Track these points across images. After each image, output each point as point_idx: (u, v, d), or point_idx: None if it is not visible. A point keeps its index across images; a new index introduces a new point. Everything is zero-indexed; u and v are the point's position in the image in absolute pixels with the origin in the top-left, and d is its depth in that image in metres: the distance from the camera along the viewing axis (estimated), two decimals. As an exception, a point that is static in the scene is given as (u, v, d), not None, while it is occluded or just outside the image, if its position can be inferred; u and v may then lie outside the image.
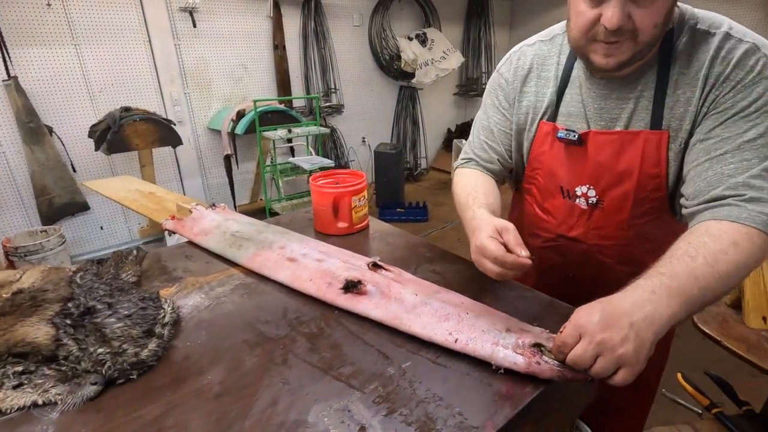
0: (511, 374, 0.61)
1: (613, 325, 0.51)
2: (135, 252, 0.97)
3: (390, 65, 4.63)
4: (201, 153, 3.73)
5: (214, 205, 1.23)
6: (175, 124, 3.02)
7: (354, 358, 0.66)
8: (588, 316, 0.53)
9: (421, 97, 5.08)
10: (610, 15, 0.64)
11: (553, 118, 0.86)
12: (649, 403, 1.10)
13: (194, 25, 3.37)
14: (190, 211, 1.17)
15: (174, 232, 1.17)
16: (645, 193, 0.79)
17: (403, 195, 4.43)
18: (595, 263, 0.90)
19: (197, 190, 3.78)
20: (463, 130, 5.54)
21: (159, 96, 3.37)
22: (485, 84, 5.49)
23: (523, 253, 0.65)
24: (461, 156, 1.00)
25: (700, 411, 1.73)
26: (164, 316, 0.73)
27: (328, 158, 3.80)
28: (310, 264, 0.88)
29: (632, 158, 0.77)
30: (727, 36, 0.69)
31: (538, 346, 0.60)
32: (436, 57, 4.58)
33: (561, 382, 0.58)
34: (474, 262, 0.72)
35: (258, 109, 3.17)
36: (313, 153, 3.77)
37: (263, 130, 3.19)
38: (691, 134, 0.72)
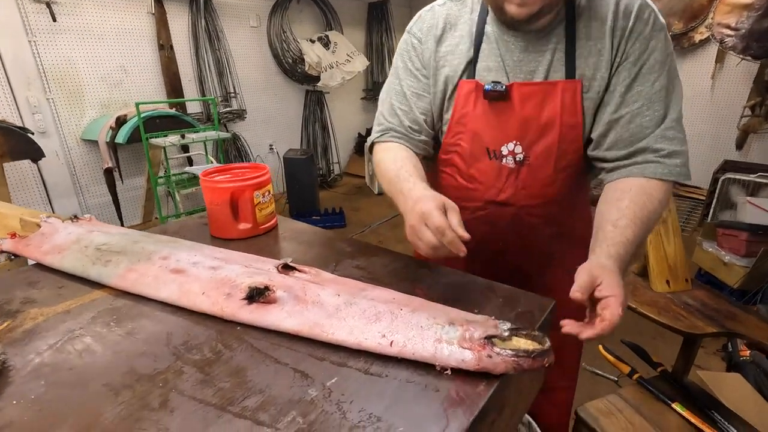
0: (459, 373, 0.51)
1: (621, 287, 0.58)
2: (-57, 284, 0.70)
3: (293, 69, 4.44)
4: (75, 168, 3.19)
5: (76, 217, 0.97)
6: (32, 134, 2.52)
7: (263, 384, 0.50)
8: (616, 288, 0.57)
9: (328, 102, 4.96)
10: None
11: (472, 75, 0.82)
12: (575, 376, 1.11)
13: (54, 19, 2.87)
14: (38, 226, 0.91)
15: (15, 255, 0.89)
16: (565, 145, 0.81)
17: (318, 202, 4.25)
18: (524, 227, 0.89)
19: (73, 212, 3.21)
20: (373, 134, 5.54)
21: (11, 102, 2.80)
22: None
23: (461, 232, 0.61)
24: (375, 129, 0.92)
25: (615, 378, 1.84)
26: (-24, 368, 0.50)
27: (232, 167, 3.49)
28: (203, 274, 0.70)
29: (553, 109, 0.78)
30: None
31: (488, 338, 0.50)
32: (341, 60, 4.50)
33: (517, 373, 0.49)
34: (408, 233, 0.67)
35: (143, 114, 2.78)
36: (215, 162, 3.43)
37: (150, 137, 2.81)
38: (608, 84, 0.77)
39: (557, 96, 0.77)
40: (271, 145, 4.58)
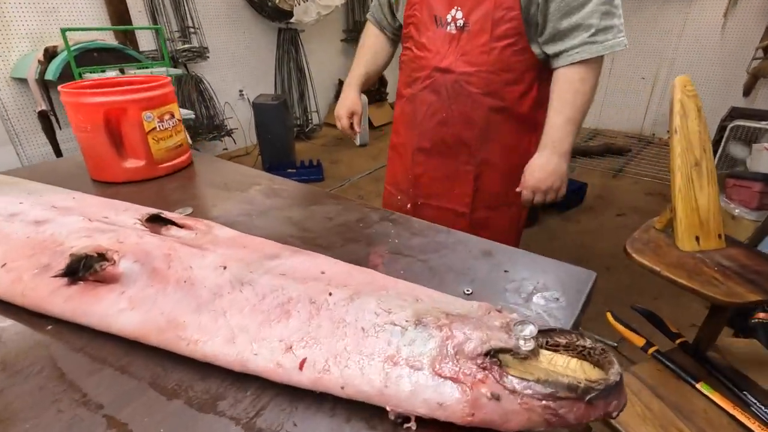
0: (430, 426, 0.25)
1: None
2: None
3: (263, 2, 3.93)
4: (8, 113, 2.77)
5: None
6: (-62, 67, 2.09)
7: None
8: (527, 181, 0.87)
9: (304, 43, 4.47)
10: None
11: None
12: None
13: (-42, -75, 2.35)
14: None
15: None
16: (501, 12, 0.84)
17: (294, 154, 3.90)
18: (463, 96, 0.95)
19: (11, 164, 2.84)
20: (355, 81, 5.10)
21: None
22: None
23: (357, 129, 1.00)
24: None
25: (615, 344, 1.66)
26: None
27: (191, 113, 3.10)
28: (17, 232, 0.42)
29: None
30: None
31: (491, 354, 0.25)
32: (316, -8, 3.99)
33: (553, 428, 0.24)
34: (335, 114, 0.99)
35: (76, 46, 2.36)
36: (172, 107, 3.03)
37: (84, 72, 2.39)
38: None
39: None
40: (240, 91, 4.13)
